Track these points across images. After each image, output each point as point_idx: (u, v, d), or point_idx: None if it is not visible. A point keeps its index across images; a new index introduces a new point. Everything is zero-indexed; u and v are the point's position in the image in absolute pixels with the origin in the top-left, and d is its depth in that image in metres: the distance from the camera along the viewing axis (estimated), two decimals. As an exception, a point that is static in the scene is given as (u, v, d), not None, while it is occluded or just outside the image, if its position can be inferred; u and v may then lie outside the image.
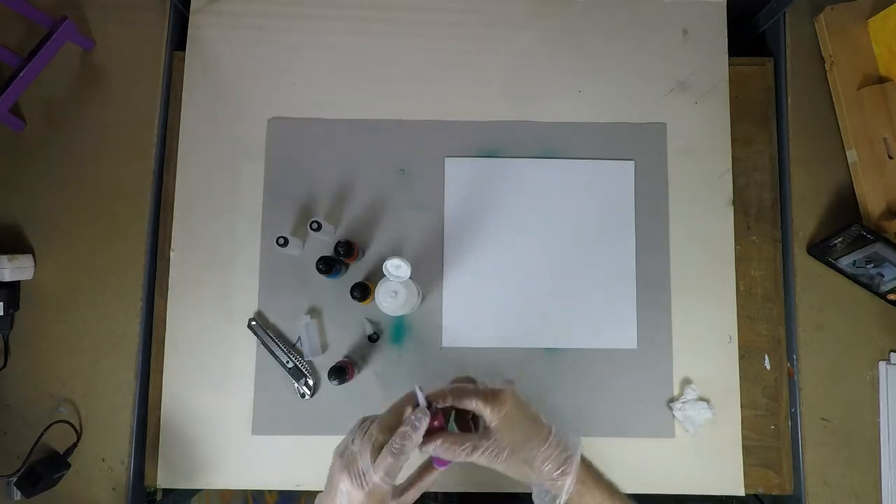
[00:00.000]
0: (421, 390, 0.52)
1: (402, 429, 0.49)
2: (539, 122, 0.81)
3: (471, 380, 0.56)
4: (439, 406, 0.52)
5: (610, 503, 0.54)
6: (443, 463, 0.53)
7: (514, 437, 0.51)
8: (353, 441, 0.50)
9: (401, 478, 0.52)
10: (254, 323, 0.77)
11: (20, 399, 0.76)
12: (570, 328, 0.78)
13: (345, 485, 0.49)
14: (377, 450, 0.49)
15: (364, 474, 0.48)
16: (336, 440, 0.52)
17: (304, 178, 0.80)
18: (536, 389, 0.77)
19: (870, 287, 0.77)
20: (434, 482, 0.54)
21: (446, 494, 0.76)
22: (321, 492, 0.53)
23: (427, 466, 0.54)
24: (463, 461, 0.51)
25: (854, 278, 0.77)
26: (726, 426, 0.76)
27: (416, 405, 0.51)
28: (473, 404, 0.52)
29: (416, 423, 0.49)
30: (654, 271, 0.79)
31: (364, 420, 0.52)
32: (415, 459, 0.52)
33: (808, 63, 0.82)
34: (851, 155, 0.79)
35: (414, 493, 0.53)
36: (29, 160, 0.80)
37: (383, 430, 0.50)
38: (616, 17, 0.84)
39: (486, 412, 0.51)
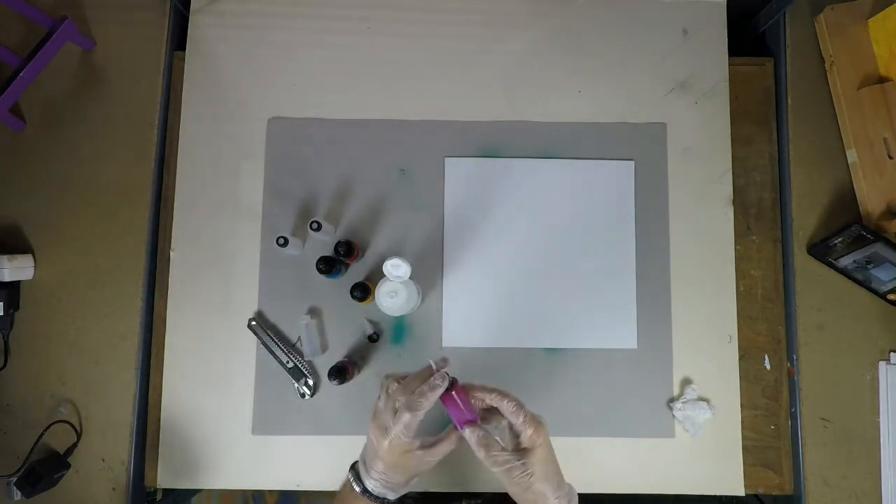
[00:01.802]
0: (434, 364, 0.58)
1: (419, 388, 0.55)
2: (539, 122, 0.81)
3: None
4: (483, 399, 0.58)
5: None
6: (461, 420, 0.57)
7: (541, 469, 0.55)
8: (378, 398, 0.58)
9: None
10: (254, 323, 0.77)
11: (20, 399, 0.76)
12: (570, 328, 0.78)
13: (374, 435, 0.56)
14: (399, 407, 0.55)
15: (386, 428, 0.55)
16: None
17: (304, 178, 0.80)
18: (536, 389, 0.77)
19: (870, 287, 0.77)
20: (455, 447, 0.58)
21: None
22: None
23: (452, 429, 0.59)
24: (487, 463, 0.55)
25: (854, 278, 0.77)
26: (726, 426, 0.76)
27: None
28: (520, 418, 0.56)
29: (433, 384, 0.55)
30: (654, 271, 0.79)
31: (387, 377, 0.59)
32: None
33: (808, 63, 0.82)
34: (851, 155, 0.79)
35: (439, 450, 0.57)
36: (29, 160, 0.80)
37: (405, 390, 0.56)
38: (616, 17, 0.84)
39: (528, 432, 0.56)
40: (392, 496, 0.57)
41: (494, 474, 0.56)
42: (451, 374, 0.58)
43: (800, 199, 0.79)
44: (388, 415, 0.56)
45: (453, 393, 0.57)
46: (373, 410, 0.58)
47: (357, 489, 0.57)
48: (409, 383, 0.57)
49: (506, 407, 0.57)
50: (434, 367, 0.58)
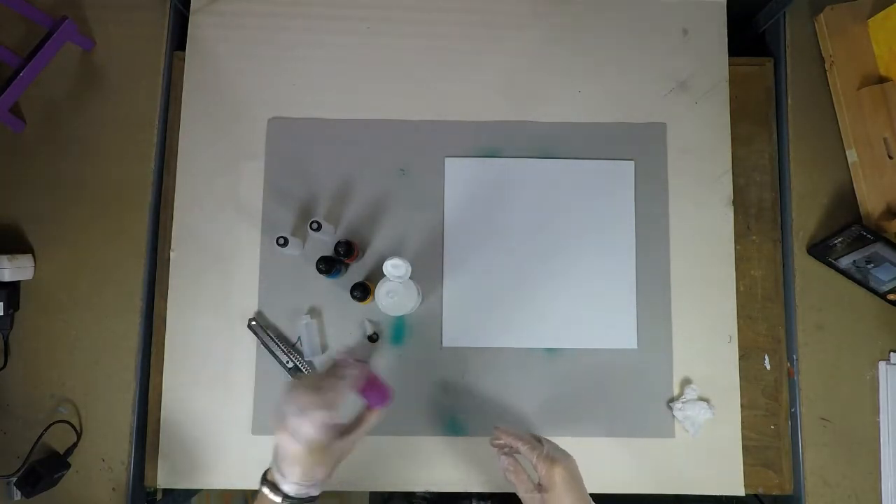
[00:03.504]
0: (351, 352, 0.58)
1: (330, 380, 0.54)
2: (539, 122, 0.81)
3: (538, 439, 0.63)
4: (499, 442, 0.63)
5: None
6: (379, 402, 0.58)
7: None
8: (284, 403, 0.53)
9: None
10: (254, 323, 0.77)
11: (20, 399, 0.76)
12: (570, 328, 0.78)
13: (284, 442, 0.52)
14: (308, 406, 0.52)
15: (297, 430, 0.51)
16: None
17: (304, 178, 0.80)
18: (536, 389, 0.77)
19: (870, 287, 0.77)
20: (376, 424, 0.58)
21: (440, 495, 0.78)
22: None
23: (366, 408, 0.58)
24: (515, 488, 0.60)
25: (854, 278, 0.77)
26: (726, 426, 0.76)
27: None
28: (534, 458, 0.60)
29: (344, 374, 0.54)
30: (654, 271, 0.79)
31: (289, 381, 0.57)
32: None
33: (808, 63, 0.82)
34: (851, 155, 0.79)
35: (360, 433, 0.56)
36: (29, 160, 0.80)
37: (309, 387, 0.53)
38: (616, 17, 0.84)
39: (542, 472, 0.59)
40: (316, 491, 0.54)
41: (522, 499, 0.60)
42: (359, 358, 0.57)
43: (800, 199, 0.79)
44: (296, 417, 0.52)
45: (367, 378, 0.57)
46: (275, 416, 0.53)
47: (277, 499, 0.53)
48: (315, 380, 0.54)
49: (522, 449, 0.61)
50: (344, 355, 0.57)
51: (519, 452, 0.62)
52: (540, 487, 0.59)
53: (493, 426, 0.65)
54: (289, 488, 0.53)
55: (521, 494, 0.59)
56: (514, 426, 0.67)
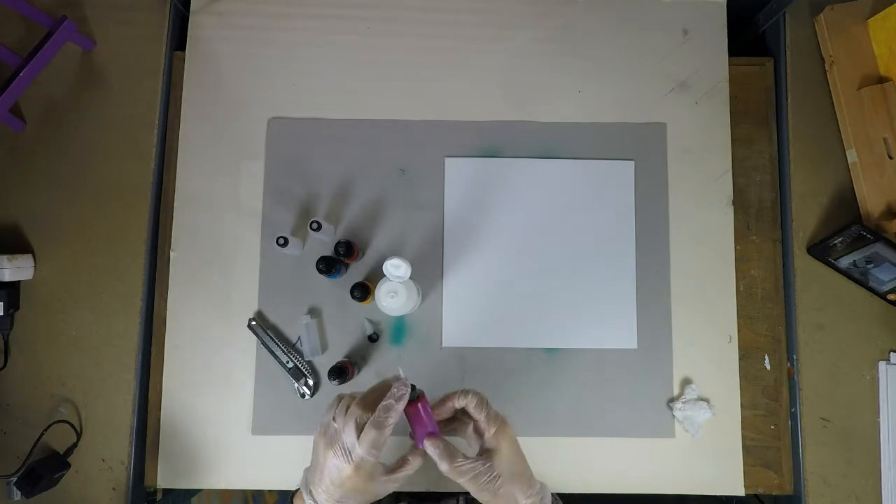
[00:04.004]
0: (402, 372, 0.53)
1: (384, 402, 0.50)
2: (539, 122, 0.81)
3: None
4: (455, 402, 0.54)
5: None
6: (424, 434, 0.54)
7: (508, 469, 0.52)
8: (334, 419, 0.51)
9: (389, 458, 0.54)
10: (254, 323, 0.77)
11: (20, 399, 0.76)
12: (570, 328, 0.78)
13: (333, 461, 0.50)
14: (360, 426, 0.50)
15: (350, 450, 0.50)
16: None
17: (304, 178, 0.80)
18: (536, 389, 0.77)
19: (870, 287, 0.77)
20: (418, 468, 0.54)
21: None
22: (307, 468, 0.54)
23: (414, 448, 0.55)
24: (452, 474, 0.52)
25: (854, 278, 0.77)
26: (726, 426, 0.76)
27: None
28: (482, 414, 0.54)
29: (398, 395, 0.50)
30: (654, 271, 0.79)
31: (341, 397, 0.53)
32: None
33: (808, 63, 0.82)
34: (851, 155, 0.79)
35: (404, 472, 0.53)
36: (29, 160, 0.80)
37: (366, 406, 0.51)
38: (616, 17, 0.84)
39: (491, 430, 0.53)
40: None
41: (461, 485, 0.53)
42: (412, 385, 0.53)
43: (800, 199, 0.79)
44: (350, 435, 0.50)
45: (419, 405, 0.53)
46: (322, 431, 0.52)
47: None
48: (367, 398, 0.52)
49: (469, 402, 0.54)
50: (402, 375, 0.53)
51: (456, 430, 0.56)
52: (485, 456, 0.53)
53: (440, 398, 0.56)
54: None
55: (464, 476, 0.52)
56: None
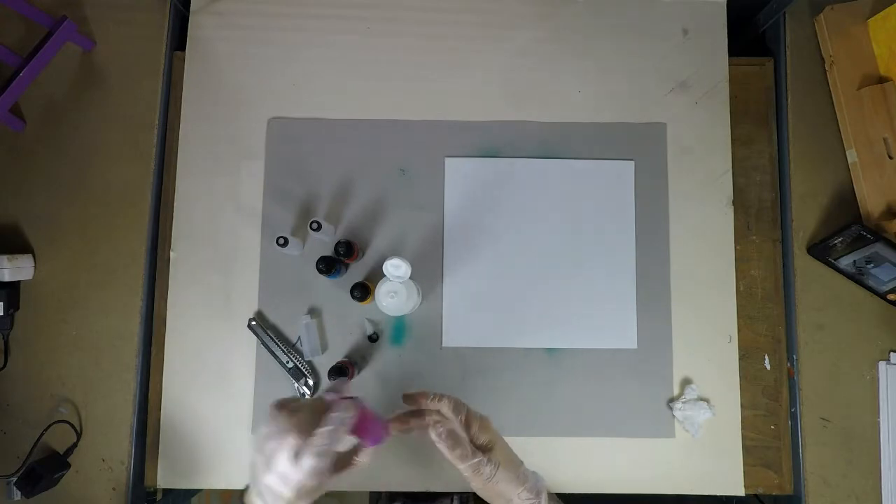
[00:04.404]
0: (341, 384, 0.52)
1: (326, 428, 0.48)
2: (539, 122, 0.81)
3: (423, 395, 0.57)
4: (429, 406, 0.54)
5: None
6: (376, 439, 0.53)
7: (506, 459, 0.54)
8: (266, 436, 0.48)
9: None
10: (254, 323, 0.77)
11: (20, 399, 0.76)
12: (570, 328, 0.78)
13: (273, 483, 0.48)
14: (297, 451, 0.47)
15: (287, 477, 0.47)
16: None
17: (304, 178, 0.80)
18: (536, 389, 0.77)
19: (870, 287, 0.77)
20: (367, 464, 0.53)
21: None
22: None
23: (362, 447, 0.53)
24: (454, 459, 0.52)
25: (854, 278, 0.77)
26: (726, 426, 0.76)
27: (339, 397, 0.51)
28: (463, 416, 0.54)
29: (340, 418, 0.48)
30: (654, 271, 0.79)
31: (278, 408, 0.50)
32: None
33: (808, 63, 0.82)
34: (851, 155, 0.79)
35: (347, 475, 0.52)
36: (29, 160, 0.80)
37: (301, 431, 0.48)
38: (616, 17, 0.84)
39: (475, 426, 0.54)
40: None
41: (460, 471, 0.53)
42: (349, 395, 0.52)
43: (800, 199, 0.79)
44: (285, 465, 0.47)
45: (361, 412, 0.51)
46: (262, 453, 0.48)
47: None
48: (303, 420, 0.48)
49: (444, 405, 0.54)
50: (333, 395, 0.51)
51: (437, 421, 0.55)
52: (480, 450, 0.53)
53: (403, 394, 0.56)
54: None
55: (464, 465, 0.52)
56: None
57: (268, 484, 0.48)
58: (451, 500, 0.76)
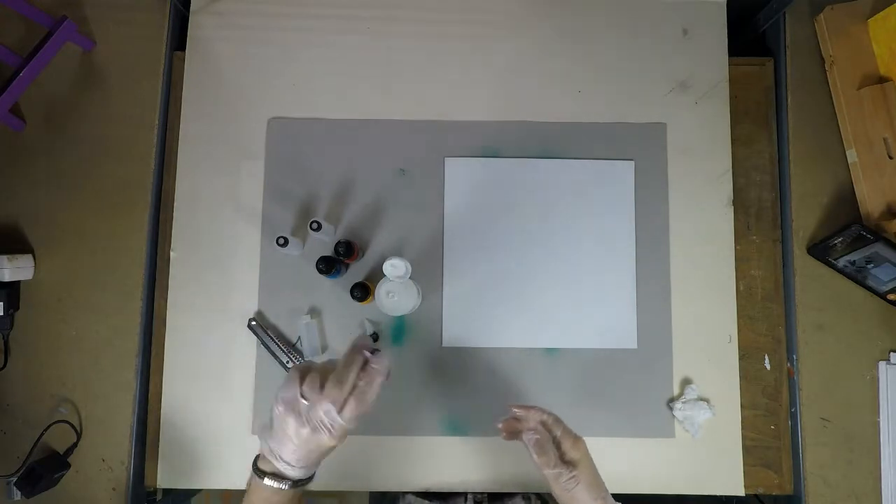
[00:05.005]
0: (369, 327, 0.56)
1: (366, 379, 0.54)
2: (539, 122, 0.81)
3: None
4: (530, 416, 0.60)
5: None
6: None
7: (586, 479, 0.58)
8: (304, 396, 0.52)
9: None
10: (254, 323, 0.77)
11: (20, 399, 0.76)
12: (570, 328, 0.78)
13: (311, 435, 0.52)
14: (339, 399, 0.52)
15: (332, 425, 0.51)
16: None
17: (304, 178, 0.80)
18: (536, 389, 0.77)
19: (870, 287, 0.77)
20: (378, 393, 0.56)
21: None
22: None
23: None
24: (541, 465, 0.58)
25: (854, 278, 0.77)
26: (726, 426, 0.76)
27: (371, 351, 0.56)
28: (559, 431, 0.60)
29: (379, 370, 0.54)
30: (654, 271, 0.79)
31: (302, 372, 0.54)
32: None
33: (808, 63, 0.82)
34: (851, 155, 0.79)
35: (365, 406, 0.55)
36: (29, 160, 0.80)
37: (340, 384, 0.53)
38: (616, 17, 0.84)
39: (567, 443, 0.59)
40: (315, 468, 0.56)
41: (544, 475, 0.59)
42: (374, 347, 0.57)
43: (800, 199, 0.79)
44: (331, 412, 0.51)
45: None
46: (289, 407, 0.52)
47: (285, 486, 0.54)
48: (342, 374, 0.53)
49: (548, 419, 0.60)
50: (368, 331, 0.57)
51: (533, 430, 0.61)
52: (566, 464, 0.59)
53: (509, 405, 0.63)
54: (297, 472, 0.54)
55: (548, 471, 0.58)
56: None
57: (304, 437, 0.52)
58: (465, 500, 0.77)
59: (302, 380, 0.53)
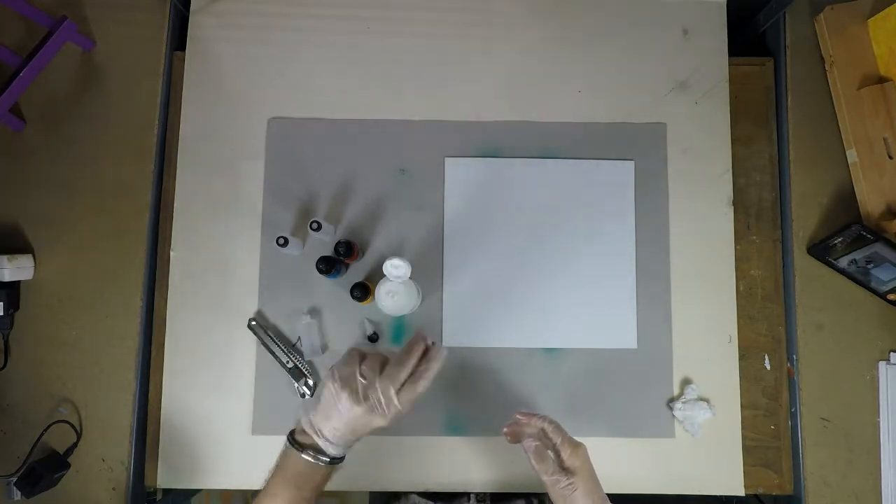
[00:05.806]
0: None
1: (426, 365, 0.57)
2: (539, 122, 0.81)
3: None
4: (532, 423, 0.62)
5: None
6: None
7: (584, 487, 0.59)
8: (362, 375, 0.55)
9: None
10: (254, 323, 0.77)
11: (20, 399, 0.76)
12: (570, 328, 0.78)
13: (363, 413, 0.54)
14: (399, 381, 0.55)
15: (387, 405, 0.54)
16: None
17: (304, 178, 0.80)
18: (536, 389, 0.77)
19: (870, 287, 0.77)
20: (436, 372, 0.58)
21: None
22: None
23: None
24: (539, 471, 0.59)
25: (854, 278, 0.77)
26: (726, 426, 0.76)
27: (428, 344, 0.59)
28: (559, 439, 0.61)
29: (437, 356, 0.58)
30: (654, 271, 0.79)
31: (361, 353, 0.57)
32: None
33: (808, 63, 0.82)
34: (851, 155, 0.79)
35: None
36: (29, 160, 0.80)
37: (402, 367, 0.56)
38: (616, 17, 0.84)
39: (566, 452, 0.60)
40: (343, 452, 0.58)
41: (543, 481, 0.60)
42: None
43: (800, 199, 0.79)
44: (388, 392, 0.54)
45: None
46: (345, 384, 0.55)
47: (322, 462, 0.55)
48: (403, 358, 0.57)
49: (548, 426, 0.61)
50: (427, 340, 0.60)
51: (533, 437, 0.63)
52: (565, 471, 0.60)
53: (515, 412, 0.65)
54: (334, 450, 0.55)
55: (545, 478, 0.59)
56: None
57: (358, 417, 0.54)
58: (469, 500, 0.77)
59: (361, 359, 0.56)
